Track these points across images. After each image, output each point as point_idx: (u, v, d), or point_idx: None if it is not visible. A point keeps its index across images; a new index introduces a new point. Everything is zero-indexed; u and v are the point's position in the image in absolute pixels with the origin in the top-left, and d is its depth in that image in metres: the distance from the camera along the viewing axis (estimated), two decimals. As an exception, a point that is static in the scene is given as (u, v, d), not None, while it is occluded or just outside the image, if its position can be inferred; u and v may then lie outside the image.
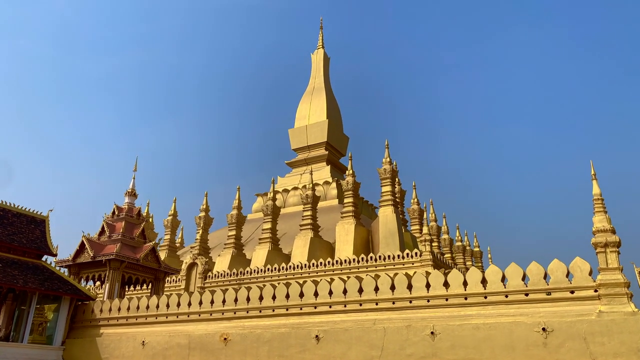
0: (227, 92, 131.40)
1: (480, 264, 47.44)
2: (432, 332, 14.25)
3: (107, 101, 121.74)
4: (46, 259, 23.48)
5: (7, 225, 22.13)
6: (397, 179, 36.62)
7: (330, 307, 16.67)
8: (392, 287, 15.82)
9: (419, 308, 15.09)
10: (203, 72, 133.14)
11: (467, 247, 45.88)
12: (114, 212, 28.70)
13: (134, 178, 30.15)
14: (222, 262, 34.97)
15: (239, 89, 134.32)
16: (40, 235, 23.62)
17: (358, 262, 27.51)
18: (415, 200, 38.33)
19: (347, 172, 34.04)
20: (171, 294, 20.77)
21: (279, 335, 16.72)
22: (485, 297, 14.24)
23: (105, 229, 27.51)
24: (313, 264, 29.04)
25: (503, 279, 14.28)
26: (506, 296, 13.97)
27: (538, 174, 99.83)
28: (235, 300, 18.57)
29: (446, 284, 14.98)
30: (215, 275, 32.61)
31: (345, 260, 28.08)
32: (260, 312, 17.92)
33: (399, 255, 26.66)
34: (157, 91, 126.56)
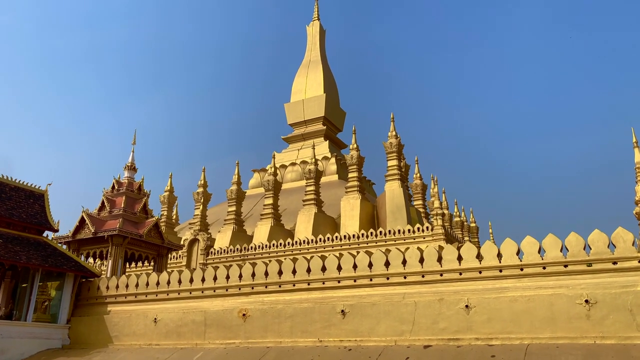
0: (220, 67, 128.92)
1: (476, 240, 47.61)
2: (466, 306, 13.83)
3: (93, 76, 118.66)
4: (47, 235, 22.49)
5: (5, 200, 21.04)
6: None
7: (355, 281, 16.14)
8: (421, 260, 15.33)
9: (450, 281, 14.63)
10: (194, 46, 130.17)
11: (465, 223, 45.94)
12: (113, 187, 27.65)
13: (133, 151, 29.07)
14: (222, 238, 34.30)
15: (232, 64, 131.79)
16: (40, 210, 22.57)
17: (367, 237, 27.07)
18: (418, 175, 37.91)
19: (350, 145, 33.38)
20: (182, 270, 20.04)
21: (301, 311, 16.18)
22: (522, 269, 13.82)
23: (106, 204, 26.50)
24: (320, 239, 28.53)
25: (539, 250, 13.87)
26: (544, 268, 13.56)
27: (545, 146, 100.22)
28: (253, 275, 17.93)
29: (479, 256, 14.54)
30: (217, 251, 31.95)
31: (353, 235, 27.61)
32: (280, 287, 17.32)
33: (409, 230, 26.26)
34: (146, 66, 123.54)
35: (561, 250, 13.58)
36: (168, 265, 30.02)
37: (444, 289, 14.57)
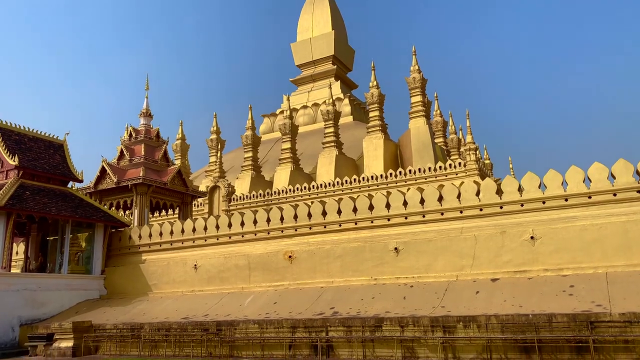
0: (224, 6, 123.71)
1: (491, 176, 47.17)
2: (531, 237, 13.32)
3: (104, 16, 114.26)
4: (72, 186, 21.70)
5: (25, 151, 20.07)
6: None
7: (406, 218, 15.58)
8: (477, 193, 14.69)
9: (512, 213, 14.06)
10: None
11: (480, 159, 45.33)
12: (130, 135, 26.61)
13: (146, 97, 27.82)
14: (241, 184, 33.67)
15: (236, 4, 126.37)
16: (61, 160, 21.65)
17: (395, 176, 26.40)
18: (438, 112, 36.85)
19: (370, 83, 32.06)
20: (219, 215, 19.46)
21: (351, 250, 15.71)
22: (590, 197, 13.21)
23: (125, 152, 25.58)
24: (346, 180, 27.85)
25: (607, 177, 13.22)
26: (614, 195, 12.95)
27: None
28: (295, 217, 17.36)
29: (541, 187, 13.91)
30: (239, 197, 31.37)
31: (381, 176, 26.95)
32: (325, 227, 16.79)
33: (440, 167, 25.56)
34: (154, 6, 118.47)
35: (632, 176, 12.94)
36: (193, 214, 29.53)
37: (505, 221, 14.01)
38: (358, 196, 16.71)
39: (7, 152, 19.23)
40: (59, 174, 20.92)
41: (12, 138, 20.10)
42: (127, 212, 24.99)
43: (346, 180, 27.93)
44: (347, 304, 13.32)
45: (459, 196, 14.94)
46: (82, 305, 18.86)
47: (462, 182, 15.49)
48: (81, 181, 22.06)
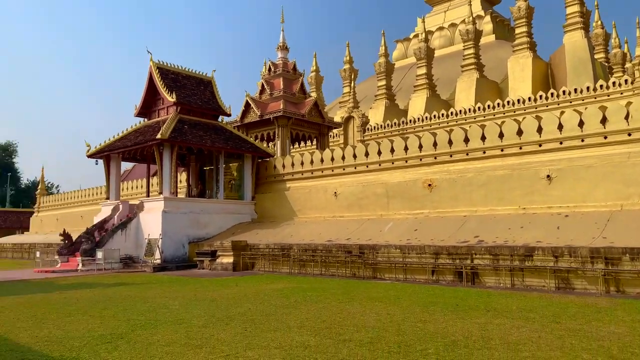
0: None
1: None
2: None
3: None
4: (221, 120, 23.47)
5: (181, 88, 21.99)
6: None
7: (561, 143, 14.19)
8: (651, 113, 12.72)
9: (697, 135, 12.00)
10: None
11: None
12: (269, 69, 27.64)
13: (282, 30, 28.36)
14: (375, 114, 33.43)
15: None
16: (211, 96, 23.38)
17: (546, 98, 23.99)
18: (599, 23, 32.10)
19: (516, -4, 28.74)
20: (356, 145, 19.69)
21: (496, 178, 14.89)
22: None
23: (265, 86, 26.75)
24: (489, 105, 26.08)
25: None
26: None
27: None
28: (435, 144, 16.84)
29: None
30: (373, 127, 31.31)
31: (529, 99, 24.69)
32: (467, 155, 16.07)
33: (601, 86, 22.57)
34: None
35: None
36: (329, 145, 30.34)
37: (688, 144, 12.04)
38: (503, 122, 15.55)
39: (166, 90, 21.24)
40: (210, 108, 22.69)
41: (168, 77, 22.09)
42: (270, 143, 26.49)
43: (488, 105, 26.12)
44: (492, 233, 12.83)
45: (627, 117, 13.11)
46: (236, 227, 20.89)
47: (629, 102, 13.48)
48: (229, 115, 23.73)
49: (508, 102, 25.30)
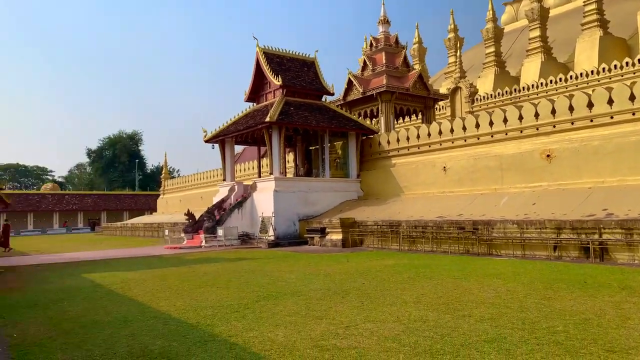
0: None
1: None
2: None
3: None
4: (324, 99, 23.79)
5: (285, 71, 22.59)
6: None
7: None
8: None
9: None
10: None
11: None
12: (371, 44, 27.34)
13: (383, 4, 27.83)
14: (484, 83, 31.72)
15: None
16: (314, 77, 23.74)
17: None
18: None
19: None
20: (464, 117, 18.90)
21: (627, 145, 13.46)
22: None
23: (367, 62, 26.55)
24: (615, 66, 23.52)
25: None
26: None
27: None
28: (553, 112, 15.60)
29: None
30: (482, 97, 29.77)
31: (665, 54, 21.78)
32: (591, 121, 14.68)
33: None
34: None
35: None
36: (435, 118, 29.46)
37: None
38: (633, 82, 13.92)
39: (272, 74, 21.96)
40: (314, 89, 23.08)
41: (274, 60, 22.79)
42: (373, 120, 26.36)
43: (615, 66, 23.50)
44: (624, 205, 11.67)
45: None
46: (344, 205, 21.22)
47: None
48: (333, 94, 23.97)
49: (639, 60, 22.56)
